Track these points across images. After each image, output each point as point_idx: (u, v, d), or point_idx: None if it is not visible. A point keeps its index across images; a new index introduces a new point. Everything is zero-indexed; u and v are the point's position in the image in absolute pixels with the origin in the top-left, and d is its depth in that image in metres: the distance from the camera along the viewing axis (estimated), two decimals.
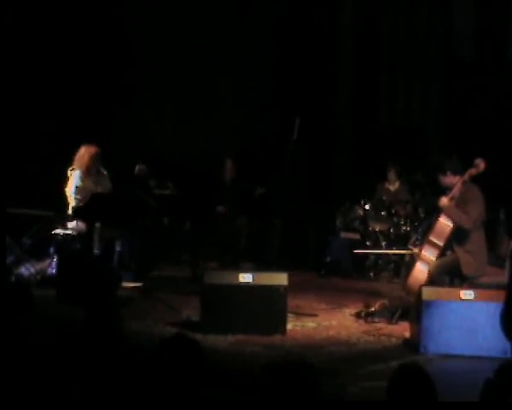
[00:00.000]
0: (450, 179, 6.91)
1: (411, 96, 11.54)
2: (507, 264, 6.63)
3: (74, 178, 8.22)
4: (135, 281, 8.13)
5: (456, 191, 6.89)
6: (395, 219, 9.74)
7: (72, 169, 8.27)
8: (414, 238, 7.72)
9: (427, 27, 11.40)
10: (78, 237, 8.16)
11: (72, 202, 8.20)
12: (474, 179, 6.97)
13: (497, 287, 6.43)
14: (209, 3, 11.18)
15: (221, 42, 11.24)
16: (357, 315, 7.42)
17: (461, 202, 6.86)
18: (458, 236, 6.87)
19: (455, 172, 6.89)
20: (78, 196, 8.15)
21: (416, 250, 7.21)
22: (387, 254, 9.66)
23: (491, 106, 10.63)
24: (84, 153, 8.25)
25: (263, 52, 11.52)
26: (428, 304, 6.22)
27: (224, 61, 11.25)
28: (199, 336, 6.06)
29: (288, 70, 11.48)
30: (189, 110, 11.15)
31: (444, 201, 6.87)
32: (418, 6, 11.45)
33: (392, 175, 10.19)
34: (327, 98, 11.50)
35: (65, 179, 8.30)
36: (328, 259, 9.96)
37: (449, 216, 6.83)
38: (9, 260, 7.96)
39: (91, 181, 8.27)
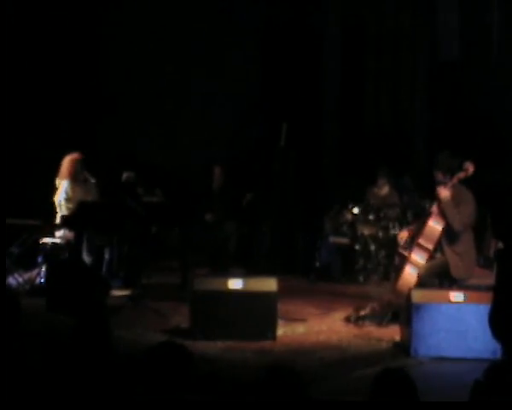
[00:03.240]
0: (440, 177, 6.93)
1: (397, 99, 11.57)
2: (495, 265, 6.65)
3: (63, 187, 8.21)
4: (124, 289, 8.11)
5: None
6: (383, 223, 9.75)
7: (60, 179, 8.26)
8: (403, 242, 7.69)
9: (412, 31, 11.44)
10: (67, 245, 8.14)
11: (61, 211, 8.18)
12: (462, 181, 6.98)
13: (487, 289, 6.45)
14: (195, 10, 11.18)
15: (207, 49, 11.24)
16: (348, 319, 7.42)
17: (453, 204, 6.85)
18: (447, 238, 6.88)
19: (444, 172, 6.90)
20: (70, 205, 8.14)
21: (405, 254, 7.21)
22: (377, 257, 9.68)
23: (479, 107, 10.66)
24: (67, 162, 8.26)
25: (249, 58, 11.52)
26: (418, 307, 6.23)
27: (211, 69, 11.25)
28: (188, 343, 6.02)
29: (274, 76, 11.49)
30: (176, 117, 11.14)
31: (445, 193, 6.82)
32: (403, 10, 11.49)
33: (381, 180, 10.14)
34: (313, 103, 11.51)
35: (53, 189, 8.28)
36: (318, 263, 9.96)
37: (444, 210, 6.77)
38: None
39: (80, 189, 8.26)
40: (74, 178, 8.23)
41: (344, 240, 10.00)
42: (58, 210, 8.22)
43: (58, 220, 8.21)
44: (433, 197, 7.04)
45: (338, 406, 3.61)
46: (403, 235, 7.25)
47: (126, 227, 8.19)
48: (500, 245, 7.62)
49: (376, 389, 3.08)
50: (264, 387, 2.95)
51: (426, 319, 6.21)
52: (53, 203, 8.27)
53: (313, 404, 3.16)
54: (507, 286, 5.18)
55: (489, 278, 6.90)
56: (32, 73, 10.29)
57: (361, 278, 9.72)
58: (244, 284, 6.67)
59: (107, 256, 8.35)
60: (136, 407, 3.18)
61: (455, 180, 6.88)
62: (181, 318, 7.06)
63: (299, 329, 7.14)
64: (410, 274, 6.90)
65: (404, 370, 3.21)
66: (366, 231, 9.79)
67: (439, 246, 6.96)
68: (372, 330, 7.06)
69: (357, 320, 7.31)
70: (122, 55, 11.06)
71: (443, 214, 6.82)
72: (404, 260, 7.10)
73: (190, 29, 11.14)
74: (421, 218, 7.30)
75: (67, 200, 8.16)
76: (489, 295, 5.85)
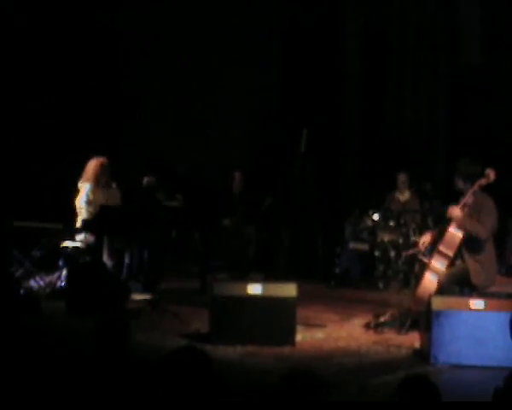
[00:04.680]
0: (460, 184, 6.90)
1: (418, 104, 11.52)
2: None
3: (85, 191, 8.24)
4: (144, 293, 8.13)
5: (468, 200, 6.85)
6: (404, 230, 9.72)
7: (83, 182, 8.30)
8: (422, 248, 7.65)
9: (433, 37, 11.41)
10: (87, 249, 8.17)
11: (82, 215, 8.21)
12: (483, 188, 6.93)
13: (507, 296, 6.41)
14: (215, 14, 11.22)
15: (228, 53, 11.27)
16: (367, 326, 7.40)
17: (474, 212, 6.81)
18: (468, 245, 6.84)
19: (465, 179, 6.86)
20: (90, 209, 8.16)
21: (425, 260, 7.18)
22: (397, 264, 9.65)
23: (501, 112, 10.59)
24: (92, 165, 8.28)
25: (270, 63, 11.54)
26: (438, 314, 6.20)
27: (232, 73, 11.28)
28: (208, 348, 6.04)
29: (294, 81, 11.50)
30: (198, 122, 11.17)
31: (456, 212, 6.79)
32: (425, 15, 11.46)
33: (401, 184, 10.12)
34: (334, 109, 11.51)
35: (75, 192, 8.32)
36: (337, 269, 9.95)
37: (463, 227, 6.75)
38: (19, 273, 7.98)
39: (101, 194, 8.28)
40: (97, 181, 8.26)
41: (364, 246, 9.98)
42: (79, 214, 8.26)
43: (79, 224, 8.24)
44: (446, 219, 6.96)
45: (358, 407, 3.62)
46: (423, 240, 7.20)
47: (146, 232, 8.22)
48: None
49: (400, 396, 3.07)
50: (284, 392, 2.95)
51: (446, 326, 6.18)
52: (74, 207, 8.31)
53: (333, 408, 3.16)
54: None
55: (510, 286, 6.85)
56: (58, 77, 10.36)
57: (381, 285, 9.70)
58: (263, 290, 6.66)
59: (127, 260, 8.38)
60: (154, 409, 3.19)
61: (476, 187, 6.83)
62: (200, 323, 7.07)
63: (319, 335, 7.13)
64: (430, 281, 6.86)
65: (427, 376, 3.20)
66: (386, 238, 9.76)
67: (459, 253, 6.91)
68: (391, 336, 7.03)
69: (377, 327, 7.28)
70: (146, 61, 11.11)
71: (465, 230, 6.77)
72: (425, 266, 7.07)
73: (211, 37, 11.18)
74: (442, 224, 7.25)
75: (88, 203, 8.18)
76: (509, 303, 5.82)
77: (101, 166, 8.27)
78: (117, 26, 10.95)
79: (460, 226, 6.76)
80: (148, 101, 11.08)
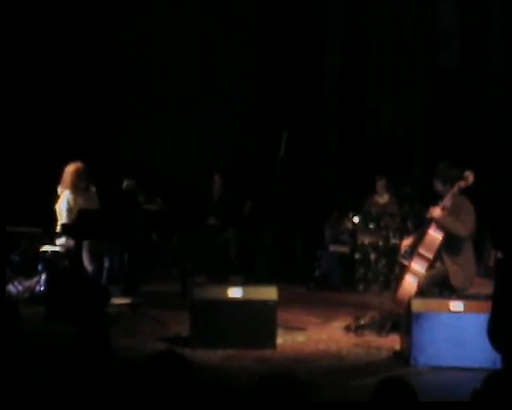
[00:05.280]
0: (439, 187, 6.94)
1: (398, 107, 11.56)
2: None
3: (65, 198, 8.16)
4: (123, 297, 8.10)
5: (447, 203, 6.90)
6: (384, 232, 9.76)
7: (62, 188, 8.23)
8: (403, 251, 7.69)
9: (412, 40, 11.46)
10: (67, 254, 8.12)
11: (61, 220, 8.15)
12: (462, 191, 6.98)
13: (486, 298, 6.44)
14: (197, 20, 11.22)
15: (208, 56, 11.27)
16: (347, 328, 7.42)
17: (453, 214, 6.86)
18: (447, 247, 6.88)
19: (444, 182, 6.91)
20: (71, 216, 8.10)
21: (405, 263, 7.21)
22: (377, 266, 9.69)
23: (479, 115, 10.66)
24: (68, 171, 8.21)
25: (250, 67, 11.55)
26: (418, 316, 6.23)
27: (211, 77, 11.28)
28: (188, 352, 6.04)
29: (275, 84, 11.51)
30: (177, 125, 11.16)
31: (437, 212, 6.84)
32: (403, 19, 11.50)
33: (380, 188, 10.19)
34: (313, 111, 11.53)
35: (55, 196, 8.26)
36: (317, 272, 9.97)
37: (443, 226, 6.80)
38: None
39: (81, 199, 8.21)
40: (76, 187, 8.18)
41: (344, 249, 10.01)
42: (59, 218, 8.21)
43: (58, 228, 8.19)
44: (427, 220, 7.00)
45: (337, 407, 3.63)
46: (406, 243, 7.23)
47: (126, 235, 8.18)
48: (499, 255, 7.61)
49: (377, 398, 3.09)
50: (264, 393, 2.95)
51: (425, 328, 6.21)
52: (54, 211, 8.25)
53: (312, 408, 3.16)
54: (505, 296, 5.17)
55: (489, 288, 6.88)
56: (36, 81, 10.31)
57: (361, 287, 9.73)
58: (244, 293, 6.67)
59: (106, 264, 8.34)
60: None
61: (455, 190, 6.88)
62: (181, 326, 7.06)
63: (299, 337, 7.14)
64: (410, 283, 6.89)
65: (404, 379, 3.22)
66: (366, 240, 9.80)
67: (439, 255, 6.95)
68: (372, 339, 7.05)
69: (357, 329, 7.31)
70: (125, 64, 11.08)
71: (445, 229, 6.81)
72: (405, 269, 7.10)
73: (192, 39, 11.17)
74: (422, 227, 7.29)
75: (69, 210, 8.12)
76: (489, 305, 5.85)
77: (78, 171, 8.19)
78: (100, 27, 10.92)
79: (441, 224, 6.80)
80: (127, 105, 11.04)
